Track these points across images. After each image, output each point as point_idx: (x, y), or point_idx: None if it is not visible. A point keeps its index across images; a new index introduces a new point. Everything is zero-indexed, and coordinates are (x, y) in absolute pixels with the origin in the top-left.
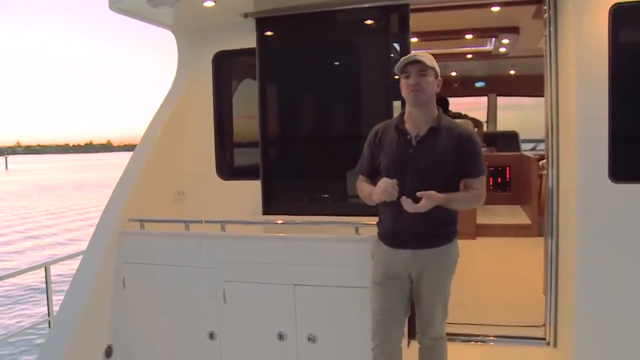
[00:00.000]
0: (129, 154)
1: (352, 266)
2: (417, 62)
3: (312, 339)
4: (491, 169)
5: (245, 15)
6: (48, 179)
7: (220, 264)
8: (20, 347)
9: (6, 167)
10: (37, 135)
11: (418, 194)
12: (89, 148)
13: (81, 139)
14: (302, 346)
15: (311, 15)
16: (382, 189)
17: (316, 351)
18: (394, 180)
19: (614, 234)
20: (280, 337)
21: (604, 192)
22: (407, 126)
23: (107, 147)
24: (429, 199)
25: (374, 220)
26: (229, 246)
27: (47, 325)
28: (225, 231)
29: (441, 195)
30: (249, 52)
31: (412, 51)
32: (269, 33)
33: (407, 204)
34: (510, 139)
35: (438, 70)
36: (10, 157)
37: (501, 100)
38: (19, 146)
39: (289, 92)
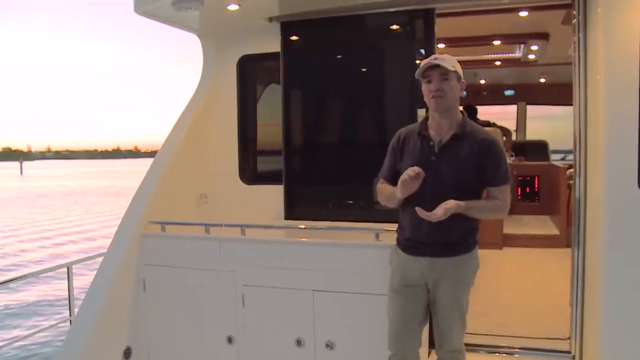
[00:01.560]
0: None
1: (372, 273)
2: (437, 66)
3: (330, 345)
4: (520, 178)
5: (270, 19)
6: (44, 187)
7: (239, 267)
8: (41, 346)
9: (21, 173)
10: (67, 141)
11: (417, 209)
12: (116, 154)
13: (109, 145)
14: (320, 353)
15: (336, 19)
16: (404, 174)
17: (334, 358)
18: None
19: None
20: (299, 343)
21: (632, 203)
22: (431, 132)
23: (134, 154)
24: (444, 209)
25: (394, 226)
26: (249, 250)
27: (68, 325)
28: (245, 235)
29: (457, 203)
30: (273, 56)
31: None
32: (293, 37)
33: (421, 212)
34: (539, 149)
35: (461, 72)
36: (38, 162)
37: (531, 111)
38: (49, 151)
39: (313, 98)
